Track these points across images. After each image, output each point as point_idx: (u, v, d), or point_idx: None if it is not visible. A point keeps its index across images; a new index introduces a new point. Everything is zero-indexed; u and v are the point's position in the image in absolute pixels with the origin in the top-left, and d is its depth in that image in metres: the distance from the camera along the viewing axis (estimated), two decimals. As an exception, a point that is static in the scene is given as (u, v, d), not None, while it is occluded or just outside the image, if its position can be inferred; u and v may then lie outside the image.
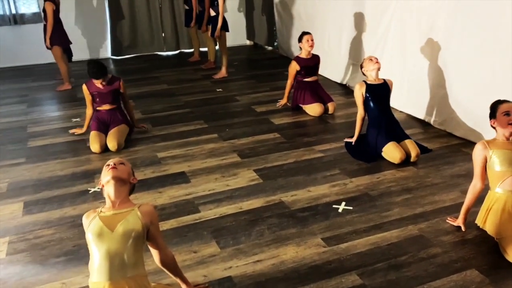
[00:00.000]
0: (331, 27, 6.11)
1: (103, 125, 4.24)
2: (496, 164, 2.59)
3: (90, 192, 3.43)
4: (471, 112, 4.04)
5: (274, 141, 4.26)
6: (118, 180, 2.03)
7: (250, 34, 9.00)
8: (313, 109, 4.86)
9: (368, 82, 3.88)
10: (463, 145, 4.01)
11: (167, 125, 4.78)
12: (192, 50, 8.28)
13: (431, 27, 4.36)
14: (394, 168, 3.63)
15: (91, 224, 1.99)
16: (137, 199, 3.28)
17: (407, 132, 4.07)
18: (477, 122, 3.98)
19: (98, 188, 1.87)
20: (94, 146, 4.08)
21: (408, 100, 4.78)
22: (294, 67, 4.97)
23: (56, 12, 5.97)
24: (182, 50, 8.73)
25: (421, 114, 4.64)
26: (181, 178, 3.61)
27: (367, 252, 2.59)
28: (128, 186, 2.10)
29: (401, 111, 4.83)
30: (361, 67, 3.98)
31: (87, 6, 8.02)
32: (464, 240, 2.66)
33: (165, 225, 2.95)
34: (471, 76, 3.99)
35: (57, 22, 6.01)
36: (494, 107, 2.67)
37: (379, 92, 3.86)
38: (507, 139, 2.63)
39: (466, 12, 3.92)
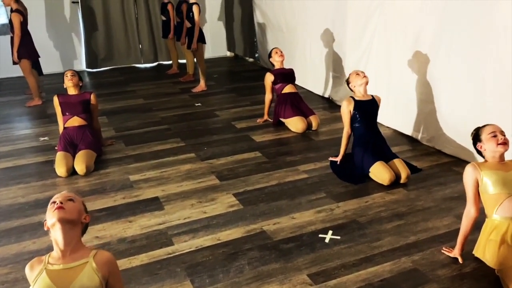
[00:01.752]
0: (313, 39, 5.91)
1: (70, 145, 3.94)
2: (488, 186, 2.39)
3: (53, 222, 3.12)
4: (461, 129, 3.85)
5: (255, 161, 4.00)
6: (66, 223, 1.68)
7: (231, 46, 8.78)
8: (295, 124, 4.63)
9: (356, 98, 3.67)
10: (453, 163, 3.82)
11: (141, 144, 4.49)
12: (170, 62, 8.02)
13: (417, 40, 4.18)
14: (383, 190, 3.41)
15: (37, 280, 1.66)
16: (105, 230, 3.00)
17: (394, 149, 3.88)
18: (468, 140, 3.77)
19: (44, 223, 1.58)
20: (60, 170, 3.76)
21: (395, 115, 4.58)
22: (268, 77, 4.85)
23: (24, 23, 5.65)
24: (160, 62, 8.47)
25: (408, 130, 4.45)
26: (154, 204, 3.32)
27: (358, 290, 2.35)
28: (80, 227, 1.77)
29: (387, 127, 4.64)
30: (348, 82, 3.76)
31: (59, 17, 7.70)
32: (462, 274, 2.43)
33: (134, 261, 2.66)
34: (460, 91, 3.81)
35: (25, 34, 5.69)
36: (477, 132, 2.55)
37: (367, 110, 3.65)
38: (498, 161, 2.44)
39: (454, 23, 3.74)
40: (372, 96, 3.71)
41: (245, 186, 3.54)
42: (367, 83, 3.67)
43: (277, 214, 3.12)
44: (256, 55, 8.05)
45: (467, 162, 3.75)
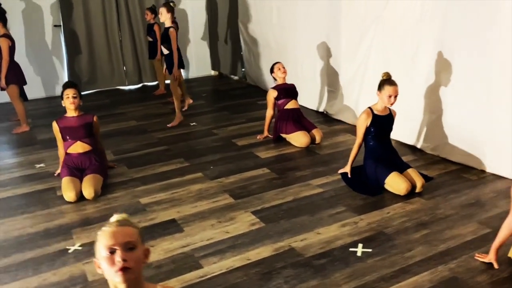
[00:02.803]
0: (304, 54, 5.97)
1: (76, 170, 3.81)
2: None
3: (70, 251, 2.98)
4: (467, 137, 3.93)
5: (265, 178, 3.96)
6: (133, 280, 1.49)
7: (215, 64, 8.76)
8: (298, 139, 4.63)
9: (375, 112, 3.62)
10: (462, 170, 3.88)
11: (144, 166, 4.39)
12: (156, 82, 7.95)
13: (417, 50, 4.27)
14: (400, 200, 3.42)
15: None
16: (127, 256, 2.87)
17: (400, 159, 3.91)
18: (475, 147, 3.88)
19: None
20: (68, 194, 3.62)
21: (396, 126, 4.61)
22: (271, 94, 4.81)
23: (12, 48, 5.49)
24: (145, 84, 8.36)
25: (410, 140, 4.50)
26: (172, 226, 3.23)
27: (403, 302, 2.33)
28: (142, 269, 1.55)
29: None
30: (380, 87, 3.55)
31: (40, 41, 7.51)
32: (502, 280, 2.45)
33: (165, 287, 2.56)
34: (466, 100, 3.90)
35: (13, 60, 5.53)
36: None
37: (384, 125, 3.64)
38: None
39: (456, 32, 3.84)
40: (389, 110, 3.69)
41: (262, 203, 3.49)
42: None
43: (301, 230, 3.08)
44: (243, 73, 8.06)
45: (475, 169, 3.86)
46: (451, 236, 2.91)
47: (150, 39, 7.30)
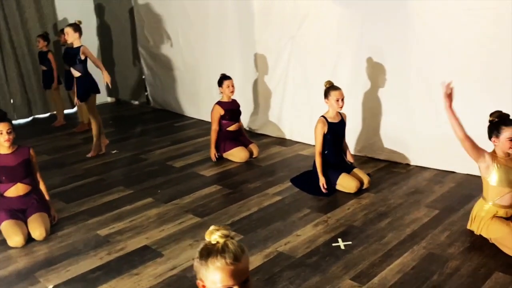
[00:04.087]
0: (218, 75, 6.12)
1: (18, 212, 3.43)
2: (494, 178, 2.77)
3: (46, 294, 2.72)
4: (391, 135, 4.46)
5: (220, 194, 4.01)
6: None
7: (112, 90, 8.45)
8: (238, 154, 4.75)
9: (329, 120, 3.87)
10: (390, 166, 4.39)
11: (83, 199, 4.10)
12: (48, 114, 7.41)
13: (335, 64, 4.71)
14: (353, 197, 3.76)
15: None
16: (115, 289, 2.72)
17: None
18: (399, 144, 4.42)
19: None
20: (15, 239, 3.25)
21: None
22: (217, 111, 4.78)
23: None
24: (36, 116, 7.71)
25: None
26: (148, 253, 3.11)
27: (401, 281, 2.60)
28: None
29: (313, 145, 5.02)
30: (326, 95, 3.82)
31: None
32: (467, 248, 2.87)
33: (173, 310, 2.49)
34: (386, 102, 4.44)
35: None
36: (498, 127, 2.73)
37: (337, 131, 3.91)
38: (507, 155, 2.79)
39: (373, 39, 4.34)
40: (341, 115, 3.96)
41: (230, 217, 3.55)
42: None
43: (280, 235, 3.21)
44: (146, 97, 7.91)
45: (401, 164, 4.39)
46: (411, 220, 3.30)
47: (44, 68, 6.81)
